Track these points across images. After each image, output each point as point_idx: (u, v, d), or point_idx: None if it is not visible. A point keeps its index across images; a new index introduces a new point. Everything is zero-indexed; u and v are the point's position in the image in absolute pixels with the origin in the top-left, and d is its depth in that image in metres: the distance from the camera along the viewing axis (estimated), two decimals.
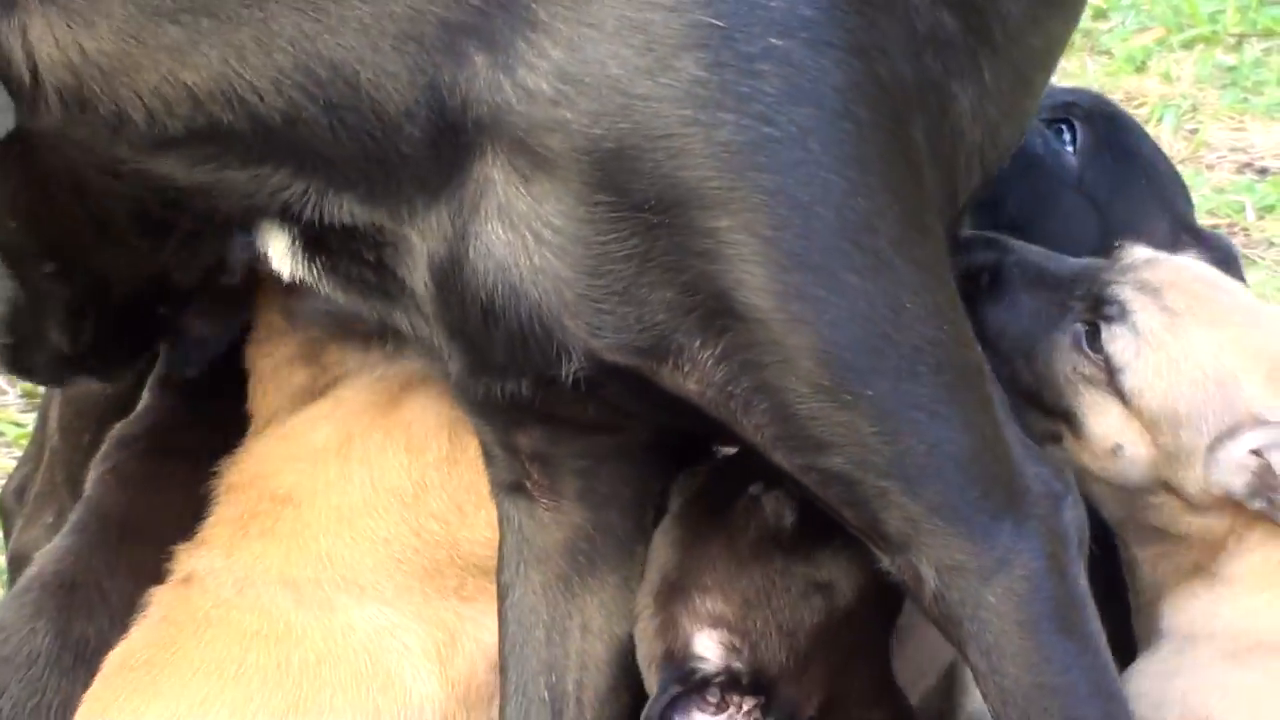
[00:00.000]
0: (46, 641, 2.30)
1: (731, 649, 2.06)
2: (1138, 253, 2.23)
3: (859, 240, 1.87)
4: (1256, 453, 2.17)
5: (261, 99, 1.84)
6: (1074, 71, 4.57)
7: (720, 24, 1.81)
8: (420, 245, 1.91)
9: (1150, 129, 4.08)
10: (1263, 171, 4.30)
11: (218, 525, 2.25)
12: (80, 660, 2.26)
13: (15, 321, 2.07)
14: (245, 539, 2.22)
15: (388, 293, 1.96)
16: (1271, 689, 2.17)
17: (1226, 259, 2.44)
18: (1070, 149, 2.46)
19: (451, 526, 2.23)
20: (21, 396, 3.64)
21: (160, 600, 2.21)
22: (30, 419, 3.39)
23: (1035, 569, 1.97)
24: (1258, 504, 2.15)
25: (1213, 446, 2.20)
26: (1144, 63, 4.80)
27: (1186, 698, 2.16)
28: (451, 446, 2.27)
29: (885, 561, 1.98)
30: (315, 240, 1.94)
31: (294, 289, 2.26)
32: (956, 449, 1.96)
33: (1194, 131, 4.51)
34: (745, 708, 2.05)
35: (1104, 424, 2.21)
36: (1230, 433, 2.20)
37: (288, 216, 1.91)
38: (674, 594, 2.09)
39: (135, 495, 2.39)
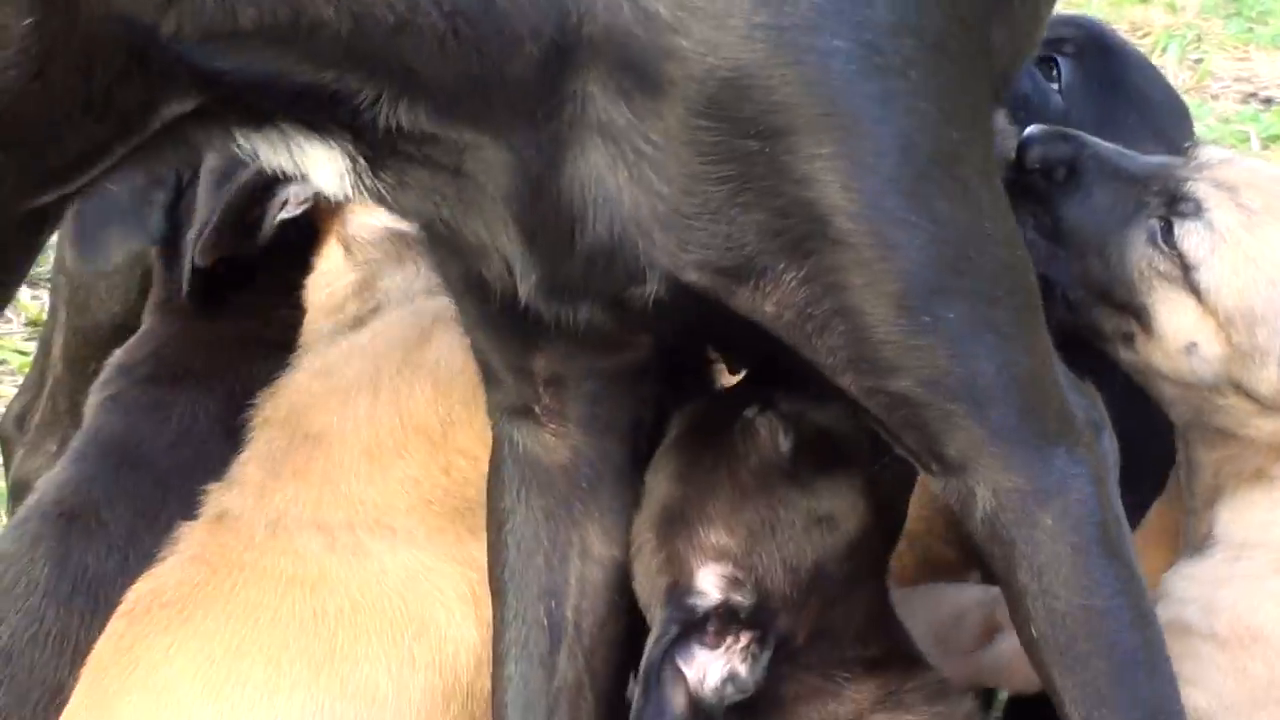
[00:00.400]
0: (45, 571, 2.30)
1: (734, 582, 2.06)
2: (1213, 152, 2.24)
3: (950, 169, 1.92)
4: None
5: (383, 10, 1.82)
6: (1081, 1, 4.45)
7: None
8: (508, 155, 1.89)
9: (1154, 59, 4.15)
10: (1268, 101, 4.33)
11: (250, 463, 2.23)
12: (78, 590, 2.25)
13: None
14: (278, 480, 2.20)
15: (466, 201, 1.92)
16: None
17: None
18: (1056, 87, 2.47)
19: (480, 463, 2.19)
20: (26, 325, 3.58)
21: (192, 538, 2.18)
22: (33, 347, 3.32)
23: (1087, 494, 2.02)
24: None
25: None
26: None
27: (1237, 605, 2.18)
28: (464, 383, 2.27)
29: (939, 485, 2.01)
30: (384, 150, 1.88)
31: (353, 221, 2.36)
32: (1023, 373, 2.00)
33: (1198, 61, 4.52)
34: (743, 641, 2.05)
35: (1178, 321, 2.21)
36: None
37: (350, 126, 1.85)
38: (676, 527, 2.08)
39: (135, 423, 2.38)
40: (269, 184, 2.31)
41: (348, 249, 2.42)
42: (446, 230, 1.96)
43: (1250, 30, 4.64)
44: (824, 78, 1.81)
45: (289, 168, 1.89)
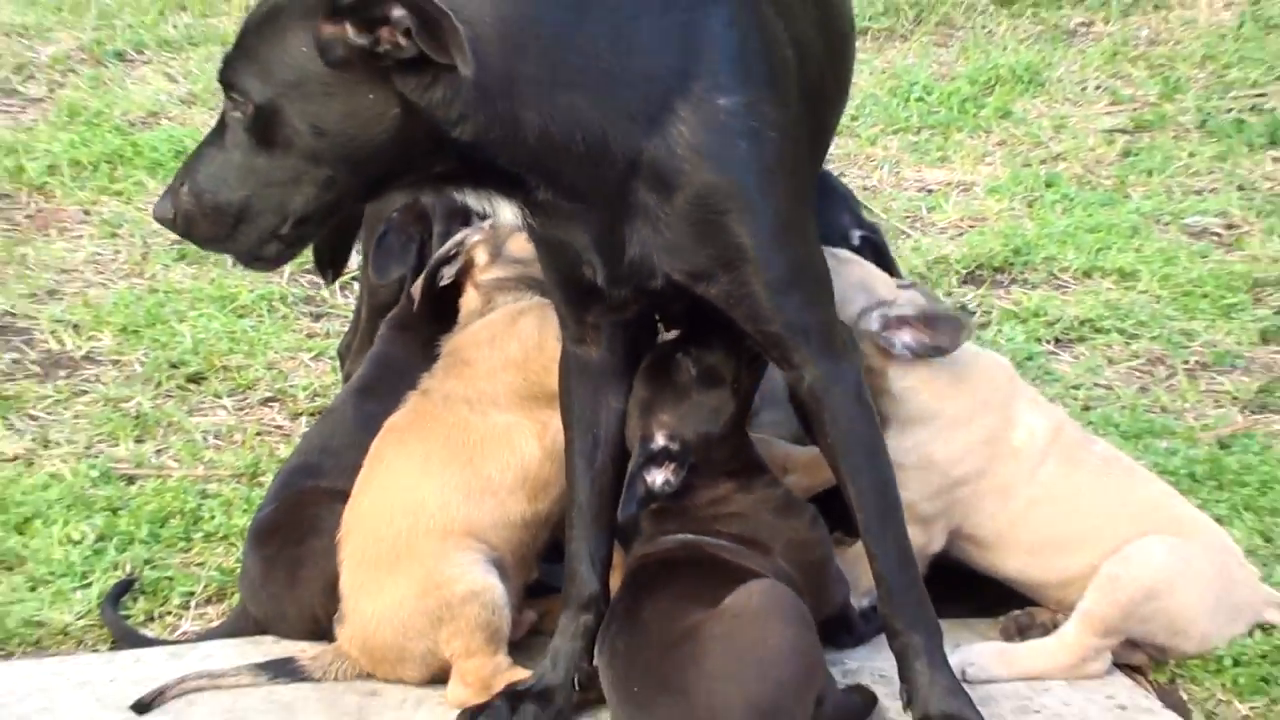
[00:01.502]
0: (350, 415, 3.15)
1: (670, 438, 2.75)
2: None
3: (797, 226, 2.58)
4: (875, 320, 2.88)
5: (558, 135, 2.38)
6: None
7: (752, 124, 2.47)
8: (597, 214, 2.48)
9: (875, 174, 4.90)
10: (929, 190, 5.05)
11: (438, 371, 2.99)
12: (366, 426, 3.01)
13: (301, 218, 2.41)
14: (448, 378, 2.96)
15: (573, 234, 2.53)
16: (906, 444, 2.91)
17: (879, 236, 3.18)
18: None
19: (543, 376, 2.85)
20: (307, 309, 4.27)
21: (411, 402, 2.97)
22: (314, 327, 4.21)
23: (854, 378, 2.66)
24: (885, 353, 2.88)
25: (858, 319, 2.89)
26: (873, 140, 5.51)
27: (907, 445, 2.91)
28: (539, 339, 2.92)
29: (787, 375, 2.66)
30: (537, 207, 2.48)
31: (478, 276, 3.09)
32: (826, 320, 2.64)
33: (897, 174, 5.09)
34: (673, 465, 2.73)
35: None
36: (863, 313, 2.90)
37: (523, 196, 2.47)
38: (645, 411, 2.76)
39: (394, 349, 3.20)
40: (450, 258, 3.09)
41: (476, 288, 3.09)
42: (560, 246, 2.58)
43: (924, 158, 5.27)
44: (744, 190, 2.47)
45: (483, 210, 2.55)
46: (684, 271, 2.51)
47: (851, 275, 2.93)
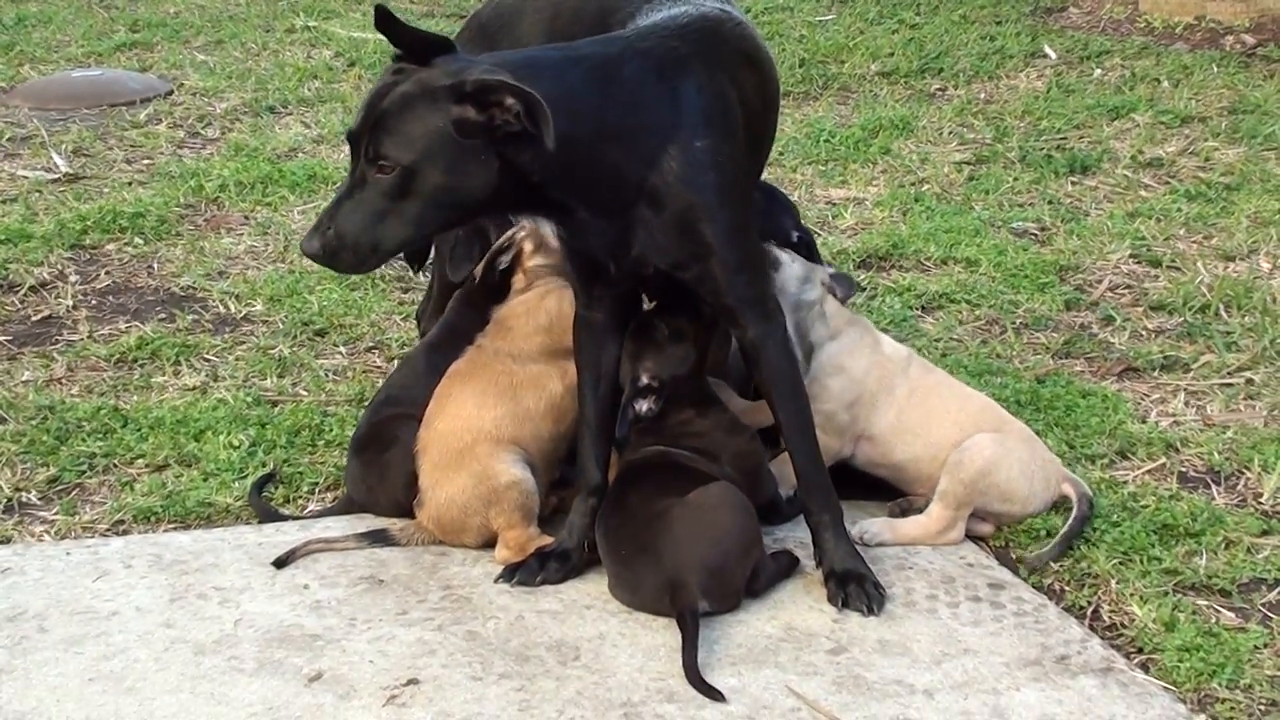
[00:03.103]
0: (422, 364, 3.01)
1: (652, 377, 2.71)
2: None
3: (743, 222, 2.56)
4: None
5: (596, 174, 2.40)
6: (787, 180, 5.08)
7: (716, 159, 2.46)
8: (612, 224, 2.47)
9: (796, 194, 4.83)
10: (834, 204, 4.92)
11: (489, 332, 2.92)
12: (433, 373, 2.90)
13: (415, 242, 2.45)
14: (496, 338, 2.90)
15: (593, 238, 2.51)
16: (828, 357, 2.88)
17: (809, 236, 3.05)
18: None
19: (562, 338, 2.80)
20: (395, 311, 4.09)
21: (469, 354, 2.89)
22: (403, 297, 4.06)
23: (782, 335, 2.62)
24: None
25: None
26: (794, 169, 5.12)
27: (829, 364, 2.89)
28: (560, 311, 2.85)
29: (735, 333, 2.62)
30: (566, 221, 2.49)
31: (526, 264, 2.98)
32: (765, 292, 2.62)
33: (811, 193, 4.98)
34: (652, 398, 2.71)
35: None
36: None
37: (560, 218, 2.50)
38: (634, 357, 2.72)
39: (459, 319, 3.06)
40: (505, 248, 2.95)
41: (524, 273, 2.97)
42: (584, 246, 2.54)
43: (830, 179, 4.98)
44: (710, 206, 2.47)
45: (533, 224, 2.68)
46: (668, 263, 2.48)
47: (799, 263, 2.97)
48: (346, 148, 2.65)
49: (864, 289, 4.09)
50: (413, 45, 2.29)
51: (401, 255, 3.56)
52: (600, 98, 2.34)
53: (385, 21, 2.23)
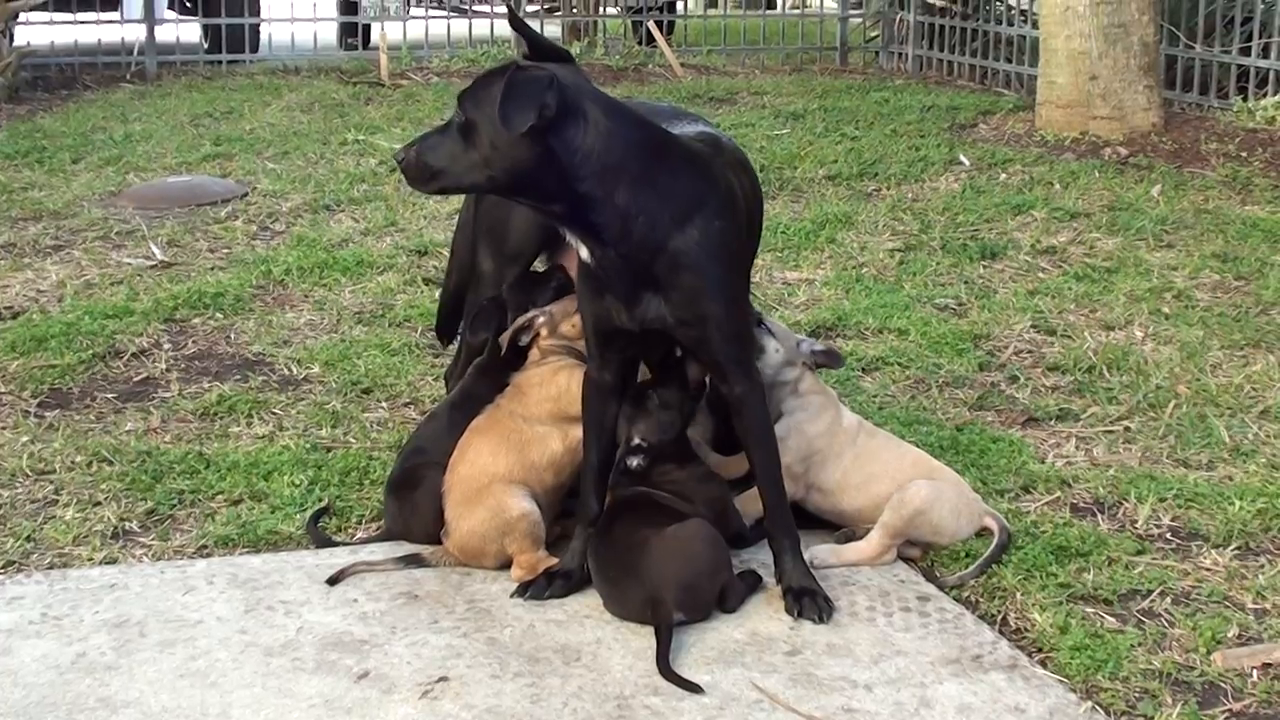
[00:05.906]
0: (446, 420, 2.88)
1: (643, 439, 2.62)
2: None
3: (738, 295, 2.52)
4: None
5: (634, 210, 2.31)
6: None
7: (728, 240, 2.40)
8: (630, 273, 2.40)
9: (757, 275, 4.53)
10: (789, 284, 4.71)
11: (507, 395, 2.83)
12: (454, 427, 2.81)
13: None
14: (512, 401, 2.81)
15: (612, 280, 2.42)
16: (793, 423, 2.79)
17: (758, 319, 2.81)
18: None
19: (567, 407, 2.73)
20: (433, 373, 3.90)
21: (487, 411, 2.80)
22: (435, 362, 3.93)
23: (761, 394, 2.56)
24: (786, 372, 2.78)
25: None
26: (757, 255, 4.88)
27: (794, 425, 2.83)
28: (567, 386, 2.74)
29: (723, 389, 2.51)
30: (595, 252, 2.41)
31: (541, 343, 2.83)
32: (749, 356, 2.57)
33: (770, 274, 4.87)
34: (642, 455, 2.61)
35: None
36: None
37: (595, 243, 2.39)
38: (629, 422, 2.62)
39: (477, 385, 2.93)
40: (524, 328, 2.81)
41: (539, 349, 2.87)
42: (603, 282, 2.42)
43: (786, 263, 4.87)
44: (717, 279, 2.41)
45: (574, 245, 2.41)
46: (674, 319, 2.42)
47: (781, 351, 2.91)
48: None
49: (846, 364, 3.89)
50: (535, 44, 2.32)
51: (434, 328, 3.56)
52: (656, 156, 2.31)
53: (516, 22, 2.32)
